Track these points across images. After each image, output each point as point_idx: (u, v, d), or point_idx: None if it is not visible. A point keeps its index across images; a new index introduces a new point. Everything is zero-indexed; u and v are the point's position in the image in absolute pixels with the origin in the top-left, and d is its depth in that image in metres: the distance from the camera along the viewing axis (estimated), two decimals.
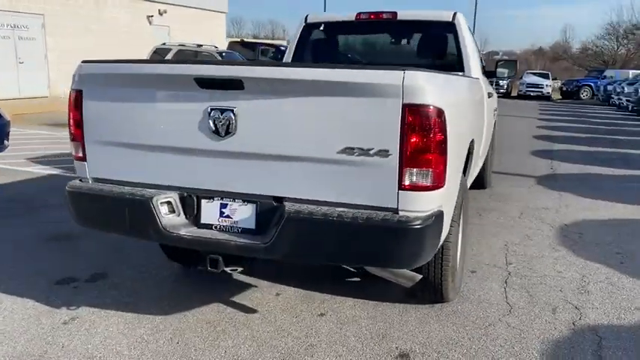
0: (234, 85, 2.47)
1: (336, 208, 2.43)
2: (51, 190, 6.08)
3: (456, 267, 3.20)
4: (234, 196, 2.65)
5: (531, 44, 71.53)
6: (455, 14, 4.73)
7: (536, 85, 31.57)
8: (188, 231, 2.67)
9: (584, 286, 3.75)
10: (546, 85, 31.30)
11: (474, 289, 3.63)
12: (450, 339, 2.97)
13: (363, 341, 2.93)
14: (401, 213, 2.38)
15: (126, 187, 2.78)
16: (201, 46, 16.84)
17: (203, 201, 2.71)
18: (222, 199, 2.67)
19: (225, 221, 2.68)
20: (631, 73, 29.84)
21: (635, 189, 6.90)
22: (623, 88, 20.85)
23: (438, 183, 2.39)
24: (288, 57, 5.18)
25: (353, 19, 4.97)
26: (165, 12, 20.21)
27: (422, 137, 2.30)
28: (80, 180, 2.97)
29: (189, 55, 16.00)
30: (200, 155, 2.64)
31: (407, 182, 2.35)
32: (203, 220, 2.71)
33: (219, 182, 2.66)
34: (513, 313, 3.30)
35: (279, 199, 2.56)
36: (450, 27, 4.72)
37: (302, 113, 2.43)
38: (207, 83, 2.51)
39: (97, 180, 2.90)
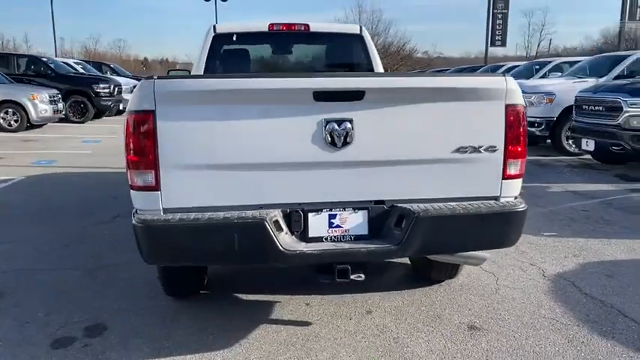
0: (353, 96, 2.52)
1: (450, 203, 2.69)
2: None
3: None
4: (343, 205, 2.68)
5: None
6: (361, 27, 5.23)
7: None
8: (307, 246, 2.60)
9: (517, 248, 4.61)
10: None
11: None
12: (488, 306, 3.45)
13: (430, 324, 3.21)
14: (502, 200, 2.76)
15: (224, 212, 2.54)
16: None
17: (309, 214, 2.65)
18: (330, 210, 2.67)
19: (336, 231, 2.68)
20: None
21: None
22: None
23: (522, 171, 2.83)
24: (198, 68, 4.98)
25: (265, 29, 5.06)
26: None
27: (517, 132, 2.72)
28: (136, 212, 2.59)
29: None
30: (309, 168, 2.60)
31: (508, 172, 2.74)
32: (311, 234, 2.66)
33: (328, 193, 2.65)
34: (501, 278, 3.94)
35: (392, 202, 2.69)
36: (359, 38, 5.19)
37: (418, 118, 2.61)
38: (324, 96, 2.50)
39: (169, 210, 2.57)
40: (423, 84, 2.62)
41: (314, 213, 2.66)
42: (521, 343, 2.99)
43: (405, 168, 2.66)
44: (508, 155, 2.72)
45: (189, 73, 5.99)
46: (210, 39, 5.00)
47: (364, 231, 2.70)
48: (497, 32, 31.10)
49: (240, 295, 3.67)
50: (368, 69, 5.13)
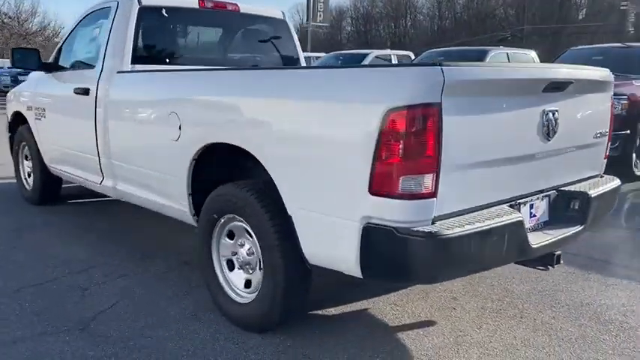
0: (563, 87, 2.64)
1: (584, 182, 3.05)
2: None
3: None
4: (536, 194, 2.75)
5: None
6: (283, 12, 4.96)
7: None
8: (542, 237, 2.61)
9: None
10: None
11: None
12: (492, 282, 3.92)
13: (512, 298, 3.50)
14: (600, 178, 3.26)
15: (487, 213, 2.34)
16: None
17: (521, 207, 2.64)
18: (530, 200, 2.71)
19: (532, 221, 2.74)
20: None
21: None
22: None
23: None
24: (123, 46, 3.95)
25: (196, 6, 4.34)
26: None
27: (612, 119, 3.24)
28: (396, 227, 2.16)
29: None
30: (527, 160, 2.61)
31: (606, 153, 3.25)
32: None
33: (530, 184, 2.70)
34: None
35: (557, 187, 2.89)
36: (284, 23, 4.93)
37: (583, 107, 2.90)
38: (551, 86, 2.55)
39: (437, 219, 2.21)
40: (590, 76, 2.91)
41: (522, 205, 2.67)
42: (573, 297, 3.56)
43: (573, 154, 2.91)
44: (609, 140, 3.24)
45: (38, 52, 4.72)
46: (136, 12, 4.00)
47: (547, 217, 2.84)
48: None
49: (322, 312, 3.24)
50: (294, 53, 4.96)
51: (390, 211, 2.15)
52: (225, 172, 3.13)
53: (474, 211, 2.36)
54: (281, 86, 2.60)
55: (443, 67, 2.08)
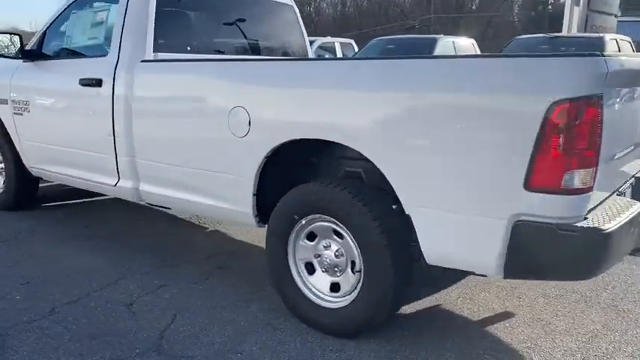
0: None
1: None
2: None
3: None
4: (626, 183, 2.80)
5: None
6: None
7: None
8: None
9: None
10: None
11: None
12: None
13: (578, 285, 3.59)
14: None
15: (612, 204, 2.36)
16: None
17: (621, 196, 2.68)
18: (625, 188, 2.76)
19: None
20: None
21: None
22: None
23: None
24: (142, 27, 3.57)
25: None
26: None
27: None
28: (543, 222, 2.11)
29: None
30: (631, 150, 2.64)
31: None
32: None
33: (627, 174, 2.75)
34: None
35: (634, 175, 2.97)
36: (292, 9, 4.71)
37: None
38: None
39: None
40: None
41: (621, 195, 2.71)
42: (614, 277, 3.74)
43: None
44: None
45: (20, 37, 4.22)
46: None
47: None
48: None
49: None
50: (302, 40, 4.77)
51: (550, 208, 2.09)
52: (292, 171, 2.96)
53: (601, 204, 2.36)
54: (413, 78, 2.41)
55: (606, 58, 2.03)
